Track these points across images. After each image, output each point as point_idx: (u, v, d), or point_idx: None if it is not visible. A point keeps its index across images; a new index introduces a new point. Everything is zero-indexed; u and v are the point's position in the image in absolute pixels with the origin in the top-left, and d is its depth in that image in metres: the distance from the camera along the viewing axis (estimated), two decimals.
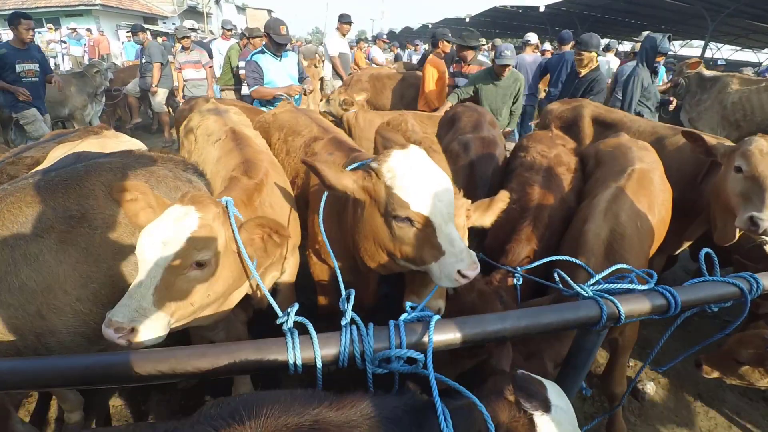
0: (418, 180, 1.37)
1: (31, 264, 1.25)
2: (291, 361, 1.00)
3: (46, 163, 1.88)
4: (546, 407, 0.90)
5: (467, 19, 27.19)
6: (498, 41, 9.49)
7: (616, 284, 1.36)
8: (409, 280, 1.66)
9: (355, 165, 1.62)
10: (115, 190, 1.36)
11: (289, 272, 2.28)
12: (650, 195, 2.19)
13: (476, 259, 1.40)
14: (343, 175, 1.43)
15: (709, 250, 1.68)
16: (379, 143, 1.68)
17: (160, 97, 7.11)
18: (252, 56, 4.13)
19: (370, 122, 4.51)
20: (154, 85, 6.93)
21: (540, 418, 0.89)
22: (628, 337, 2.00)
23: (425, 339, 1.02)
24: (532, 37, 7.00)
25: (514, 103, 4.67)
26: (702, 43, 16.80)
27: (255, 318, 2.15)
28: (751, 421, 2.47)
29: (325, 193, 1.61)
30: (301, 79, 4.53)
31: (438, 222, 1.37)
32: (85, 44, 12.85)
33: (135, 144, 2.37)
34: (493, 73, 4.47)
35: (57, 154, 1.90)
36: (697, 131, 2.76)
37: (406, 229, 1.39)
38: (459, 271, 1.36)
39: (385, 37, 11.10)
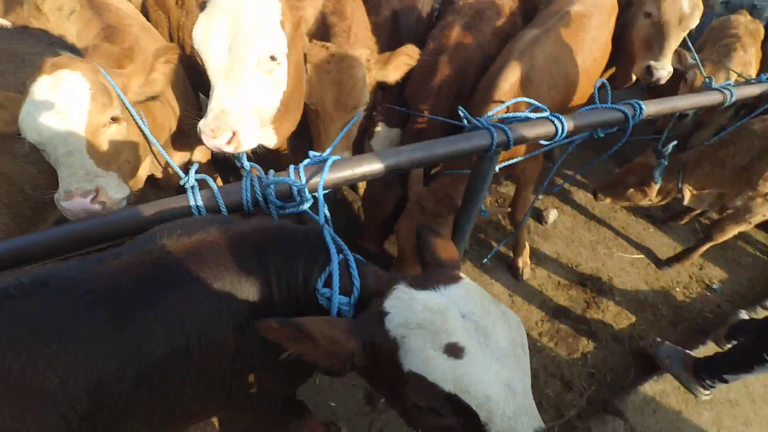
0: (217, 15, 1.22)
1: None
2: (195, 212, 1.05)
3: None
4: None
5: None
6: None
7: (513, 115, 1.44)
8: (314, 136, 1.66)
9: None
10: None
11: (204, 152, 2.20)
12: (578, 40, 2.07)
13: (220, 134, 1.22)
14: None
15: (604, 80, 1.78)
16: None
17: None
18: None
19: None
20: None
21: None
22: (528, 174, 2.20)
23: (319, 178, 1.08)
24: None
25: None
26: None
27: None
28: (635, 234, 3.04)
29: None
30: None
31: (213, 66, 1.24)
32: None
33: None
34: None
35: None
36: None
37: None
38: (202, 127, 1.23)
39: None
